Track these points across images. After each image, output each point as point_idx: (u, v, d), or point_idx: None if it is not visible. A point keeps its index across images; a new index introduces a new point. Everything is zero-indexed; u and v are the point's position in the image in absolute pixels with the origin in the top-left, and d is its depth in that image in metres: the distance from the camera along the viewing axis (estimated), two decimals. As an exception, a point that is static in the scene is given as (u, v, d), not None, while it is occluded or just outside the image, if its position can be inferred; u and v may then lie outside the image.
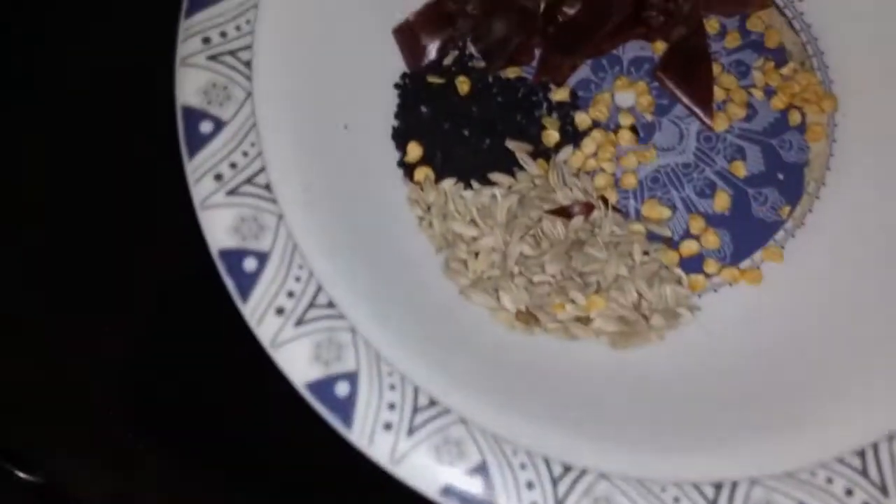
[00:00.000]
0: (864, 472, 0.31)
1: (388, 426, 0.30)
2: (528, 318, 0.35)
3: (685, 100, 0.39)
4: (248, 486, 0.38)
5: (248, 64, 0.34)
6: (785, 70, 0.40)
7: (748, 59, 0.40)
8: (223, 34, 0.34)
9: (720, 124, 0.39)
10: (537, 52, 0.40)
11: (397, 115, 0.38)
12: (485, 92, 0.39)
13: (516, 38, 0.39)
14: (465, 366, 0.33)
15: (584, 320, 0.36)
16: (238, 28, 0.34)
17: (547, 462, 0.30)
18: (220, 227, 0.32)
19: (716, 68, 0.40)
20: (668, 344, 0.36)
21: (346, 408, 0.30)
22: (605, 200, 0.38)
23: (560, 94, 0.39)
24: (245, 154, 0.33)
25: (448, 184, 0.38)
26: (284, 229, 0.32)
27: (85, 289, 0.40)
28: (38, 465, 0.38)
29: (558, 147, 0.39)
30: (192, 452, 0.38)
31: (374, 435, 0.30)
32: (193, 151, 0.33)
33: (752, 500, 0.30)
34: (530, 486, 0.30)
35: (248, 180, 0.33)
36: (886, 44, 0.39)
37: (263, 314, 0.31)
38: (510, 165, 0.38)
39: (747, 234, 0.38)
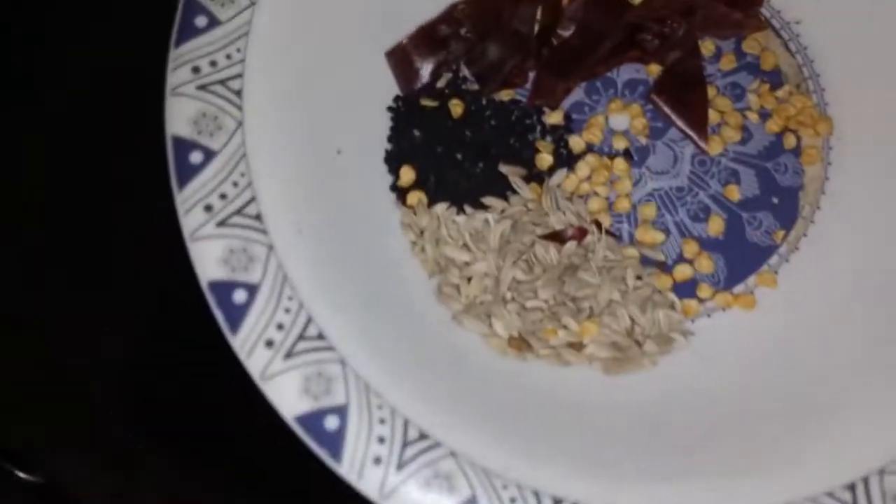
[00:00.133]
0: (854, 507, 0.31)
1: (377, 460, 0.30)
2: (520, 344, 0.35)
3: (680, 123, 0.39)
4: (248, 486, 0.38)
5: (238, 93, 0.34)
6: (780, 93, 0.40)
7: (743, 81, 0.40)
8: (213, 63, 0.34)
9: (715, 148, 0.39)
10: (531, 75, 0.40)
11: (390, 139, 0.38)
12: (478, 115, 0.39)
13: (510, 60, 0.39)
14: (456, 395, 0.33)
15: (577, 346, 0.35)
16: (228, 57, 0.34)
17: (537, 496, 0.30)
18: (209, 259, 0.32)
19: (711, 91, 0.40)
20: (661, 369, 0.36)
21: (335, 442, 0.31)
22: (598, 225, 0.38)
23: (554, 117, 0.39)
24: (235, 184, 0.33)
25: (441, 208, 0.37)
26: (275, 260, 0.32)
27: (85, 289, 0.40)
28: (38, 465, 0.38)
29: (552, 170, 0.38)
30: (192, 452, 0.38)
31: (363, 469, 0.30)
32: (183, 182, 0.33)
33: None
34: (520, 520, 0.30)
35: (238, 211, 0.33)
36: (883, 67, 0.39)
37: (253, 347, 0.31)
38: (503, 189, 0.38)
39: (741, 259, 0.38)
